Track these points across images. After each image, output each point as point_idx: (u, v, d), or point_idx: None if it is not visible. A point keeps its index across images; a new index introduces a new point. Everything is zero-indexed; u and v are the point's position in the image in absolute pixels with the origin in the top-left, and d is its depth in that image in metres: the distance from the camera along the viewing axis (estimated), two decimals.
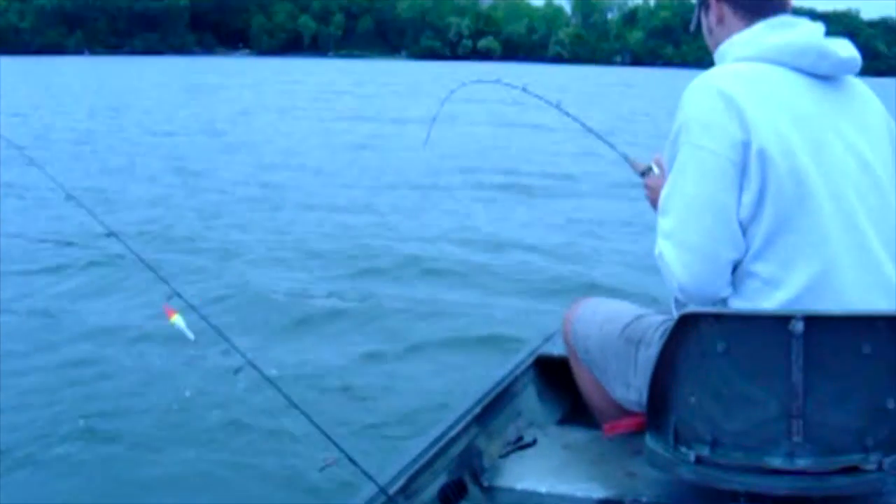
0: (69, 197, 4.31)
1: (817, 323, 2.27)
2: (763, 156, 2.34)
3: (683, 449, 2.45)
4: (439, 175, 16.69)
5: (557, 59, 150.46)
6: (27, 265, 9.38)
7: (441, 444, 3.23)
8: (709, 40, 2.78)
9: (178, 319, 3.53)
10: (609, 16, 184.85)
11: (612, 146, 3.48)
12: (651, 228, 2.79)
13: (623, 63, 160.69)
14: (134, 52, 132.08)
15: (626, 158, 3.35)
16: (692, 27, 2.91)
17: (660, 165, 3.04)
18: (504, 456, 3.37)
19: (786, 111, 2.40)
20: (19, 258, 9.66)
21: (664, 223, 2.48)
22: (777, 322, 2.29)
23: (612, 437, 3.17)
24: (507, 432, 3.56)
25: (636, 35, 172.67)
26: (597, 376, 3.09)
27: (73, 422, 5.47)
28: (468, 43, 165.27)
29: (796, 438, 2.31)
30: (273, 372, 5.14)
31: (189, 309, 3.77)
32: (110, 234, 4.27)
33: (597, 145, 3.80)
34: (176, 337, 3.51)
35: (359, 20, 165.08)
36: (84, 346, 6.80)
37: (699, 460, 2.43)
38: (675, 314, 2.45)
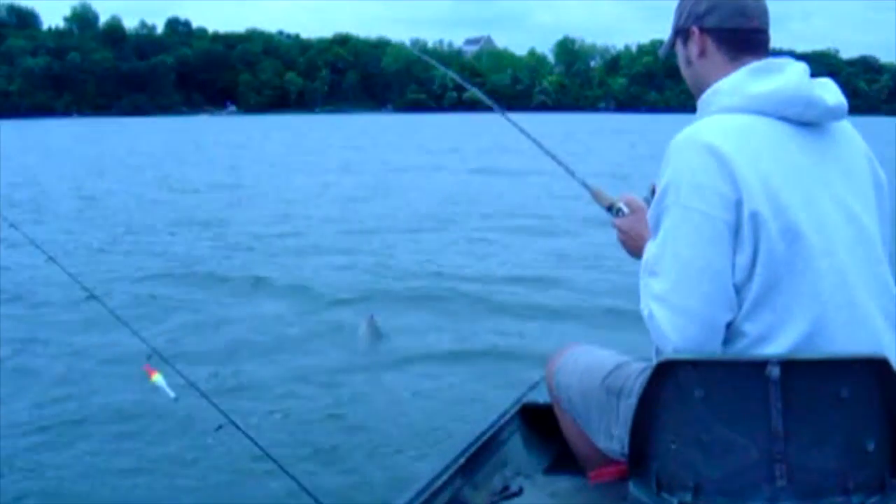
0: (49, 259, 4.48)
1: (794, 367, 2.28)
2: (756, 217, 2.31)
3: (666, 496, 2.43)
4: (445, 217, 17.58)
5: (542, 108, 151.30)
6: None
7: (426, 495, 3.21)
8: (685, 71, 2.74)
9: (158, 379, 3.79)
10: (592, 63, 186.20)
11: (572, 174, 3.33)
12: (621, 262, 3.08)
13: (607, 109, 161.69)
14: (122, 112, 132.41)
15: (586, 187, 3.22)
16: (662, 53, 2.90)
17: (631, 206, 2.99)
18: None
19: (776, 167, 2.37)
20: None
21: (655, 285, 2.43)
22: (754, 368, 2.29)
23: (598, 484, 3.16)
24: (493, 482, 3.54)
25: (619, 81, 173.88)
26: (580, 425, 3.07)
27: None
28: (453, 94, 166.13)
29: (778, 483, 2.31)
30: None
31: (170, 368, 3.88)
32: (90, 297, 4.40)
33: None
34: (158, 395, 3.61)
35: (344, 75, 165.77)
36: (66, 405, 6.82)
37: None
38: (655, 361, 2.44)
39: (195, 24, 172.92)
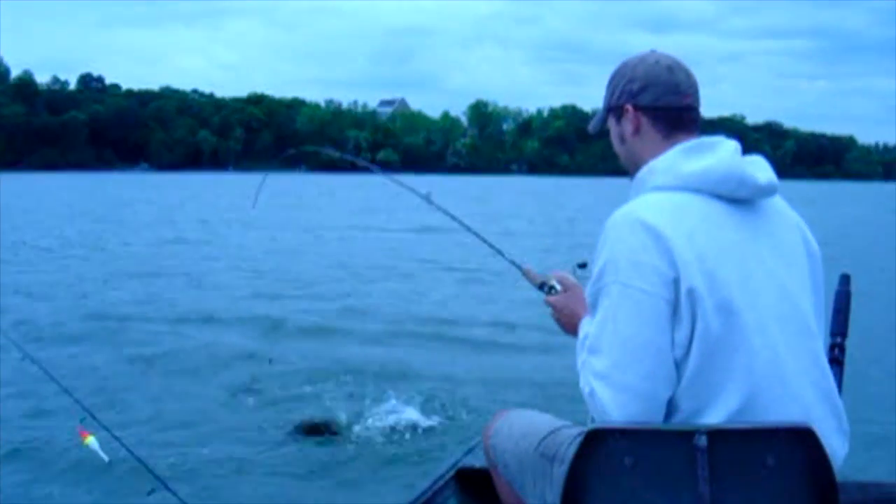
0: None
1: (721, 436, 2.30)
2: (692, 294, 2.34)
3: None
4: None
5: (455, 169, 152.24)
6: None
7: None
8: (619, 148, 2.77)
9: (92, 441, 3.83)
10: (504, 126, 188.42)
11: (501, 253, 3.40)
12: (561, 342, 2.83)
13: (520, 172, 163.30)
14: (32, 167, 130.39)
15: (516, 266, 3.27)
16: (593, 129, 2.92)
17: (562, 283, 3.03)
18: None
19: (711, 244, 2.41)
20: None
21: (597, 363, 2.43)
22: (681, 436, 2.32)
23: None
24: None
25: (531, 144, 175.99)
26: (516, 490, 3.06)
27: None
28: (367, 155, 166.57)
29: None
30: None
31: (103, 430, 3.83)
32: (24, 357, 4.39)
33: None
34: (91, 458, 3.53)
35: (258, 134, 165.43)
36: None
37: None
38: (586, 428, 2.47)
39: (108, 81, 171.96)
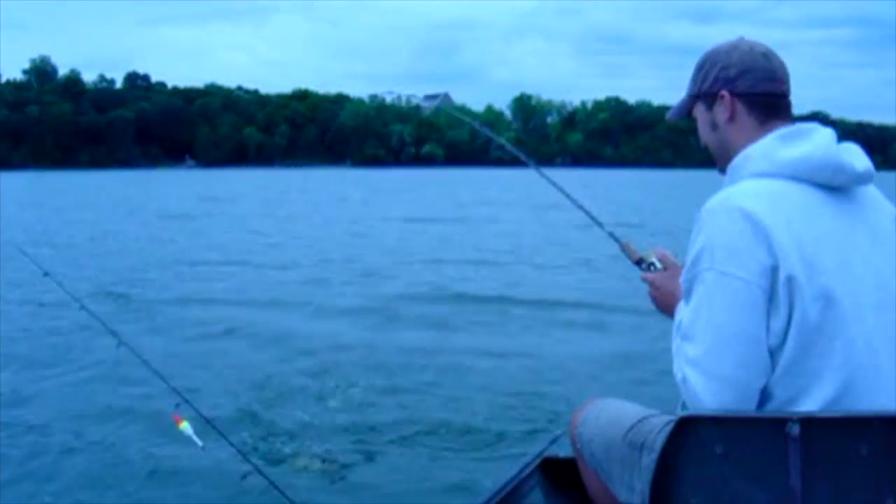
0: (82, 307, 4.64)
1: (813, 424, 2.27)
2: (791, 282, 2.31)
3: None
4: None
5: (500, 163, 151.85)
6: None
7: None
8: (708, 136, 2.73)
9: (186, 427, 3.93)
10: (548, 119, 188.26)
11: (601, 225, 3.39)
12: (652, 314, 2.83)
13: (564, 164, 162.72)
14: (79, 166, 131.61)
15: (616, 240, 3.24)
16: (673, 116, 2.89)
17: (664, 261, 3.00)
18: None
19: (809, 231, 2.38)
20: (23, 357, 9.80)
21: (690, 350, 2.42)
22: (773, 424, 2.29)
23: None
24: None
25: (575, 137, 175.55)
26: (603, 479, 3.04)
27: None
28: (411, 149, 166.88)
29: None
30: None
31: (198, 415, 3.90)
32: (120, 344, 4.48)
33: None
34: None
35: (303, 130, 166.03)
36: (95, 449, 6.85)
37: None
38: (677, 416, 2.44)
39: (154, 79, 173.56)
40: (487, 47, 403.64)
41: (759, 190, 2.44)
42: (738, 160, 2.57)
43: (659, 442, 2.51)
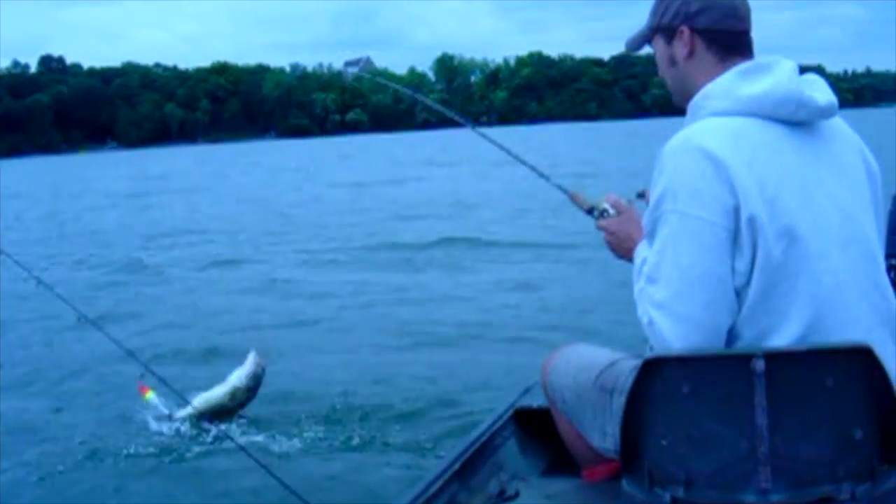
0: (40, 283, 4.63)
1: (778, 359, 2.28)
2: (753, 221, 2.29)
3: (658, 491, 2.44)
4: None
5: (426, 126, 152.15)
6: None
7: (421, 500, 3.21)
8: (667, 71, 2.68)
9: (152, 396, 3.90)
10: (472, 78, 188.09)
11: (547, 178, 3.39)
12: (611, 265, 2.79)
13: (490, 123, 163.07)
14: None
15: (563, 190, 3.22)
16: (631, 46, 2.83)
17: (616, 207, 2.97)
18: None
19: (771, 169, 2.35)
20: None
21: (656, 293, 2.40)
22: (738, 361, 2.30)
23: (593, 485, 3.17)
24: (489, 486, 3.53)
25: (500, 95, 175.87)
26: (575, 425, 3.05)
27: None
28: (336, 117, 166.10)
29: (767, 475, 2.32)
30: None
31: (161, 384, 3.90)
32: (81, 319, 4.49)
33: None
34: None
35: (225, 104, 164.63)
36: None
37: (675, 501, 2.42)
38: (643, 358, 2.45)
39: (69, 61, 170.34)
40: (406, 9, 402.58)
41: (720, 128, 2.39)
42: (697, 98, 2.52)
43: (629, 385, 2.49)
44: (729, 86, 2.46)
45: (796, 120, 2.43)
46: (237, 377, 6.59)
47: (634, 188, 2.96)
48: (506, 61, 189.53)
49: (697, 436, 2.37)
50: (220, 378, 6.74)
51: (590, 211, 3.02)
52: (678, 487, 2.41)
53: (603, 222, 2.96)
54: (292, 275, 14.20)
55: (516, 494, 3.44)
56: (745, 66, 2.49)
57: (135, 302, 12.46)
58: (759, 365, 2.27)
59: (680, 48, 2.60)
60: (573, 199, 3.13)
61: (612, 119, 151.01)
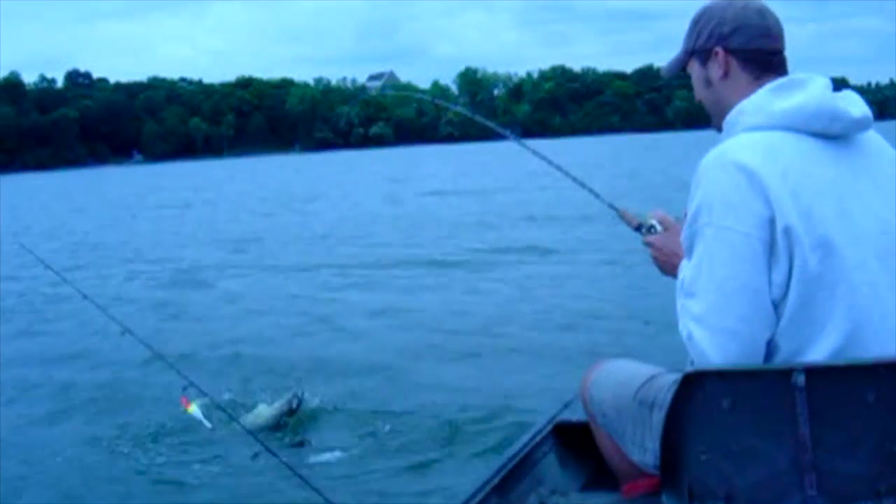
0: (85, 297, 4.77)
1: (819, 374, 2.28)
2: (789, 233, 2.30)
3: None
4: None
5: (449, 139, 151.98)
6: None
7: None
8: (703, 92, 2.72)
9: (194, 409, 3.97)
10: (495, 92, 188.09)
11: (597, 195, 3.37)
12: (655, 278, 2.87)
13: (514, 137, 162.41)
14: (25, 168, 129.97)
15: (615, 209, 3.24)
16: (667, 73, 2.87)
17: (663, 223, 2.97)
18: None
19: (806, 181, 2.36)
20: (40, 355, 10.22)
21: (693, 307, 2.42)
22: (779, 376, 2.30)
23: (633, 498, 3.16)
24: (529, 500, 3.52)
25: (523, 108, 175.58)
26: (615, 439, 3.06)
27: None
28: (360, 131, 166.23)
29: (809, 490, 2.31)
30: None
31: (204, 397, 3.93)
32: (125, 332, 4.54)
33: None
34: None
35: (249, 118, 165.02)
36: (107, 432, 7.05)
37: None
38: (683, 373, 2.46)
39: (96, 75, 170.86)
40: (429, 23, 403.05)
41: (754, 142, 2.42)
42: (732, 115, 2.54)
43: (668, 399, 2.51)
44: (762, 102, 2.49)
45: (831, 133, 2.45)
46: (270, 409, 6.78)
47: (669, 200, 3.03)
48: (529, 75, 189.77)
49: (737, 450, 2.37)
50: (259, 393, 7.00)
51: (637, 228, 3.04)
52: (718, 502, 2.41)
53: (649, 238, 2.97)
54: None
55: None
56: (778, 82, 2.52)
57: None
58: (800, 379, 2.28)
59: (715, 69, 2.63)
60: (622, 216, 3.17)
61: (635, 132, 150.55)
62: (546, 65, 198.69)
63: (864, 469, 2.32)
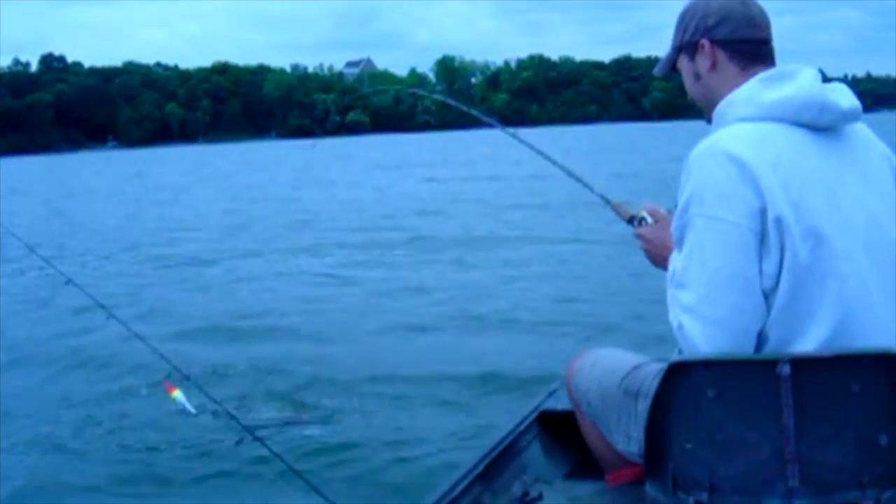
0: (69, 282, 4.70)
1: (804, 365, 2.29)
2: (780, 222, 2.31)
3: (682, 495, 2.45)
4: None
5: (426, 127, 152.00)
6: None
7: (444, 503, 3.21)
8: (692, 87, 2.73)
9: (178, 395, 3.96)
10: (473, 80, 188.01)
11: (591, 188, 3.35)
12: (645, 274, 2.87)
13: (490, 126, 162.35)
14: None
15: (605, 201, 3.23)
16: (660, 71, 2.89)
17: (654, 215, 2.98)
18: None
19: (796, 172, 2.37)
20: (24, 341, 10.10)
21: (684, 297, 2.42)
22: (764, 366, 2.31)
23: (617, 487, 3.17)
24: (513, 489, 3.53)
25: (500, 97, 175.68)
26: (600, 428, 3.07)
27: None
28: (336, 118, 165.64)
29: (792, 480, 2.32)
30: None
31: (189, 383, 3.96)
32: (110, 317, 4.54)
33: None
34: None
35: (225, 104, 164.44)
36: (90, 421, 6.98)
37: None
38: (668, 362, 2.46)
39: (71, 60, 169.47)
40: (407, 11, 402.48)
41: (744, 133, 2.42)
42: (721, 106, 2.55)
43: (653, 388, 2.51)
44: (752, 93, 2.49)
45: (820, 125, 2.46)
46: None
47: (654, 191, 3.01)
48: (506, 63, 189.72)
49: (722, 440, 2.38)
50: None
51: (630, 220, 3.05)
52: (702, 492, 2.42)
53: (640, 230, 2.98)
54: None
55: (539, 497, 3.44)
56: (767, 73, 2.53)
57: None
58: (786, 370, 2.28)
59: (702, 62, 2.64)
60: (615, 208, 3.17)
61: (612, 122, 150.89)
62: (524, 53, 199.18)
63: (848, 460, 2.33)
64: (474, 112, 4.07)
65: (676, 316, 2.44)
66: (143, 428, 6.56)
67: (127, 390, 7.63)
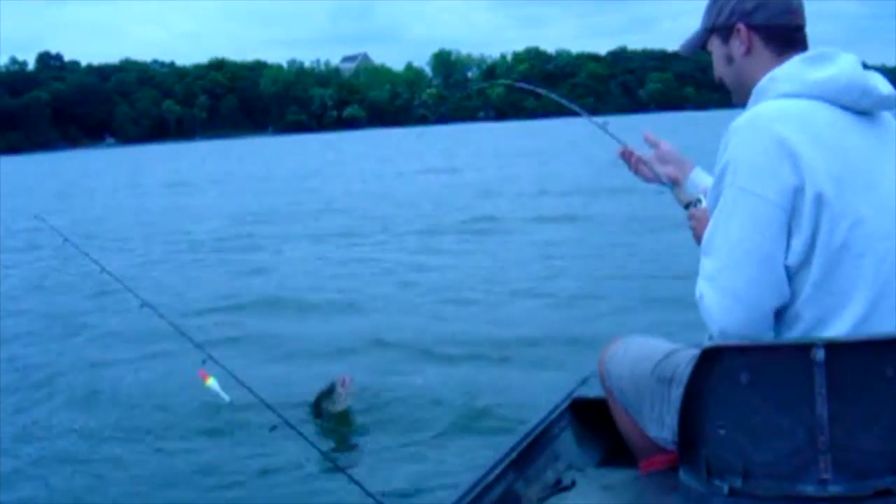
0: (104, 271, 4.76)
1: (838, 349, 2.26)
2: (820, 200, 2.29)
3: (716, 481, 2.43)
4: None
5: (423, 121, 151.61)
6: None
7: (478, 490, 3.19)
8: (723, 69, 2.70)
9: (213, 383, 4.06)
10: (469, 74, 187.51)
11: (658, 177, 3.19)
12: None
13: (487, 118, 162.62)
14: None
15: (671, 189, 3.17)
16: (685, 50, 2.86)
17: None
18: (543, 500, 3.38)
19: (838, 151, 2.36)
20: (59, 329, 10.32)
21: (706, 264, 2.43)
22: (798, 351, 2.28)
23: (650, 474, 3.15)
24: (546, 476, 3.52)
25: (497, 90, 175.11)
26: (633, 415, 3.06)
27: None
28: (333, 113, 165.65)
29: (825, 466, 2.29)
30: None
31: (223, 371, 4.00)
32: (143, 305, 4.59)
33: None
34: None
35: (222, 100, 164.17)
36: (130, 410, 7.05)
37: (732, 492, 2.40)
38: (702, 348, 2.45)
39: (67, 58, 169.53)
40: (403, 5, 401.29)
41: (787, 109, 2.42)
42: (764, 81, 2.53)
43: (686, 375, 2.50)
44: (795, 70, 2.48)
45: (860, 108, 2.46)
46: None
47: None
48: (503, 57, 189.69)
49: (756, 425, 2.36)
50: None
51: (687, 206, 3.03)
52: (736, 478, 2.40)
53: (692, 210, 2.97)
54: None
55: (573, 485, 3.43)
56: (809, 53, 2.53)
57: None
58: (819, 354, 2.26)
59: (737, 46, 2.62)
60: (676, 195, 3.14)
61: (609, 114, 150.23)
62: (520, 46, 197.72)
63: (883, 445, 2.31)
64: (575, 106, 4.08)
65: (700, 284, 2.44)
66: (179, 416, 6.70)
67: (163, 376, 7.69)
